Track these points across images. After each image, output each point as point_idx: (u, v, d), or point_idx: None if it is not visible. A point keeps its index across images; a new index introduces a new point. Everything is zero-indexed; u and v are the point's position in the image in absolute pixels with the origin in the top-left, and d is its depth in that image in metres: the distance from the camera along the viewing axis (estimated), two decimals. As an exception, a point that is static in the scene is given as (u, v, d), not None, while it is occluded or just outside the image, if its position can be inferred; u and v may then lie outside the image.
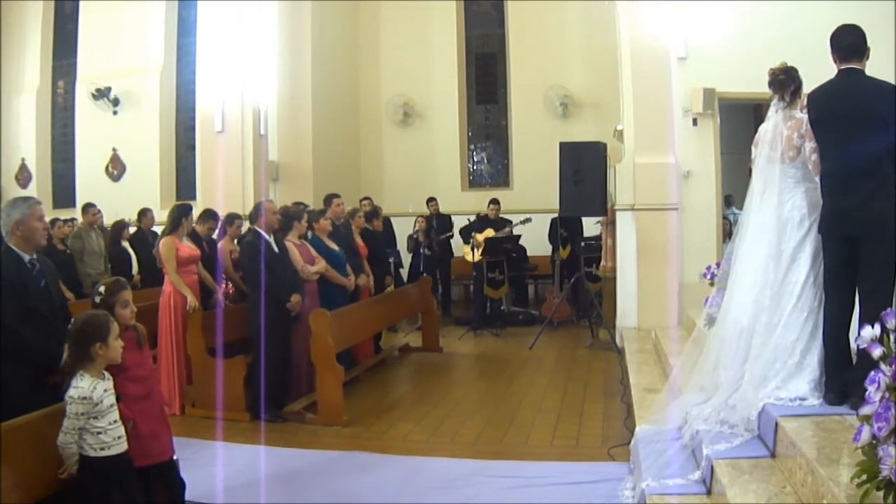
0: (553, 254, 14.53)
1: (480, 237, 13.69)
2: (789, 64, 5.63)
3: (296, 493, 6.16)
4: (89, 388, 4.32)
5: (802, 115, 5.44)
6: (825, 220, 5.20)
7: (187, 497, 5.21)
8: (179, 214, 8.90)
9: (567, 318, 13.82)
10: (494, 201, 14.82)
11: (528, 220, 13.96)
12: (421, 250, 15.00)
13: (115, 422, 4.45)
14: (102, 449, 4.37)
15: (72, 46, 17.77)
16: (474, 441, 7.46)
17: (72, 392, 4.32)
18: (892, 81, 4.90)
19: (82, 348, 4.40)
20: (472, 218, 14.83)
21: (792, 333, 5.33)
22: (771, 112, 5.66)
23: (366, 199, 13.26)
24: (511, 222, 14.23)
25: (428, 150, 17.95)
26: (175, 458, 5.12)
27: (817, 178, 5.33)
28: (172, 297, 8.65)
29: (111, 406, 4.44)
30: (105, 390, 4.41)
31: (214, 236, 10.03)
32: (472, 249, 13.57)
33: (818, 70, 5.29)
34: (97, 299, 4.87)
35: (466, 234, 14.35)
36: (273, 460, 6.94)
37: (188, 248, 8.92)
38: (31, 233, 5.12)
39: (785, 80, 5.56)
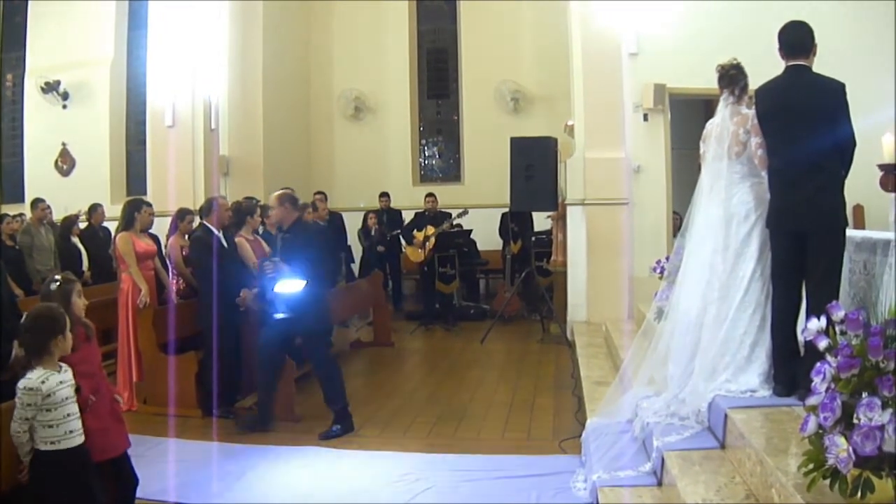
0: (504, 248, 14.61)
1: (421, 235, 13.68)
2: (738, 60, 5.71)
3: (248, 489, 6.14)
4: (38, 380, 4.23)
5: (748, 111, 5.51)
6: (773, 214, 5.27)
7: (139, 494, 5.16)
8: (132, 209, 8.86)
9: (518, 312, 13.83)
10: (430, 195, 14.77)
11: (464, 213, 13.97)
12: (378, 248, 14.96)
13: (69, 415, 4.35)
14: (53, 443, 4.28)
15: (20, 39, 17.38)
16: (426, 435, 7.48)
17: (20, 382, 4.24)
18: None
19: (40, 343, 4.30)
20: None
21: (740, 327, 5.41)
22: (720, 108, 5.72)
23: (319, 193, 13.17)
24: (451, 215, 14.20)
25: (379, 144, 17.92)
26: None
27: (763, 173, 5.40)
28: (130, 293, 8.58)
29: (66, 398, 4.34)
30: (60, 382, 4.31)
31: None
32: (424, 245, 13.52)
33: (768, 66, 5.36)
34: (53, 287, 4.81)
35: (408, 233, 14.27)
36: (225, 456, 6.91)
37: (144, 243, 8.89)
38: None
39: (736, 76, 5.62)
